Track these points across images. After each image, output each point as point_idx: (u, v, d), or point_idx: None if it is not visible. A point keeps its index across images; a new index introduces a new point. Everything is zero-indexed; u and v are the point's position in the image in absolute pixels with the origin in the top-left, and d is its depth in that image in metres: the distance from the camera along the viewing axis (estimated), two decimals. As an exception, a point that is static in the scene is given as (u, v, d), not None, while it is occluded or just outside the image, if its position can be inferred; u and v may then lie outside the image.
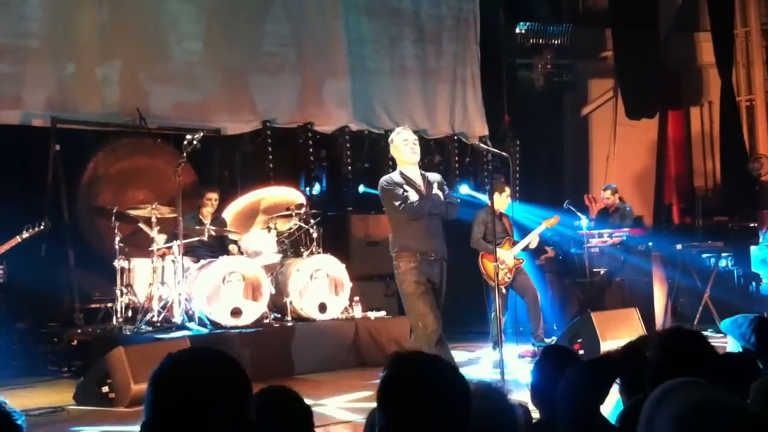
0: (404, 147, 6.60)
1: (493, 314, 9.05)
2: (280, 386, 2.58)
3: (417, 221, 6.45)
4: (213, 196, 9.16)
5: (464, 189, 10.70)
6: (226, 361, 1.83)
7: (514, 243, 9.14)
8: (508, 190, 9.18)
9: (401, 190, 6.45)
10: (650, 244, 10.34)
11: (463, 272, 9.90)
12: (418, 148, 6.67)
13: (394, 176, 6.60)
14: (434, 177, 6.74)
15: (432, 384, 2.02)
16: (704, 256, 10.26)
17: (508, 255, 8.90)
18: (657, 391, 1.72)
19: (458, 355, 9.12)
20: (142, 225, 8.63)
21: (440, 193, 6.58)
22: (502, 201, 9.01)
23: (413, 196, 6.45)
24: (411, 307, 6.41)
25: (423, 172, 6.70)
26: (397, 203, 6.44)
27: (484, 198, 10.28)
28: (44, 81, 9.27)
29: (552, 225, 9.43)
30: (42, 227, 7.44)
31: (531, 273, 9.69)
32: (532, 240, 9.22)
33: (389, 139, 6.85)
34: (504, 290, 8.65)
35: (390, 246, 6.60)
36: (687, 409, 1.60)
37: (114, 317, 8.53)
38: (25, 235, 7.45)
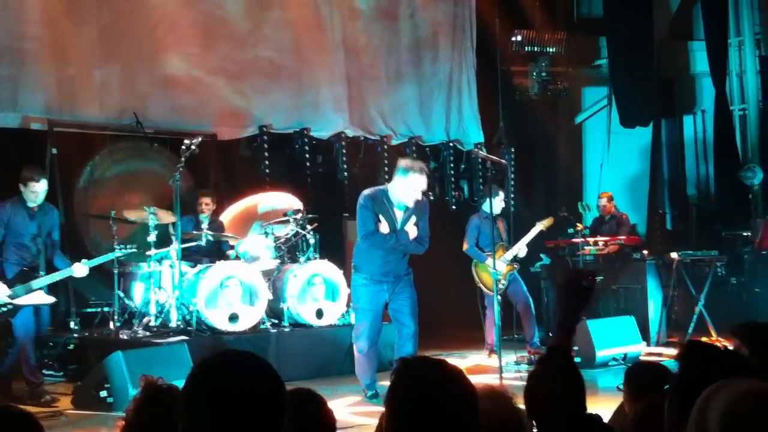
0: (407, 188, 6.54)
1: (487, 321, 9.11)
2: (306, 389, 2.56)
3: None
4: (205, 200, 9.16)
5: None
6: (261, 365, 1.81)
7: (508, 248, 9.12)
8: (501, 194, 9.16)
9: (374, 219, 6.52)
10: (645, 252, 10.39)
11: (457, 278, 9.94)
12: (419, 196, 6.58)
13: (377, 198, 6.58)
14: (416, 209, 6.66)
15: (440, 388, 2.05)
16: (698, 264, 10.29)
17: (500, 262, 8.88)
18: (707, 390, 1.74)
19: (452, 361, 9.15)
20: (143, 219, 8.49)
21: (414, 230, 6.60)
22: (496, 205, 8.98)
23: (384, 228, 6.56)
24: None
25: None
26: (362, 234, 6.62)
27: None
28: (42, 84, 9.25)
29: (547, 227, 9.42)
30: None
31: (524, 279, 9.71)
32: (529, 240, 9.19)
33: (398, 165, 6.77)
34: (500, 297, 8.65)
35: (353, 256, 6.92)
36: (736, 401, 1.62)
37: (111, 322, 8.52)
38: None
